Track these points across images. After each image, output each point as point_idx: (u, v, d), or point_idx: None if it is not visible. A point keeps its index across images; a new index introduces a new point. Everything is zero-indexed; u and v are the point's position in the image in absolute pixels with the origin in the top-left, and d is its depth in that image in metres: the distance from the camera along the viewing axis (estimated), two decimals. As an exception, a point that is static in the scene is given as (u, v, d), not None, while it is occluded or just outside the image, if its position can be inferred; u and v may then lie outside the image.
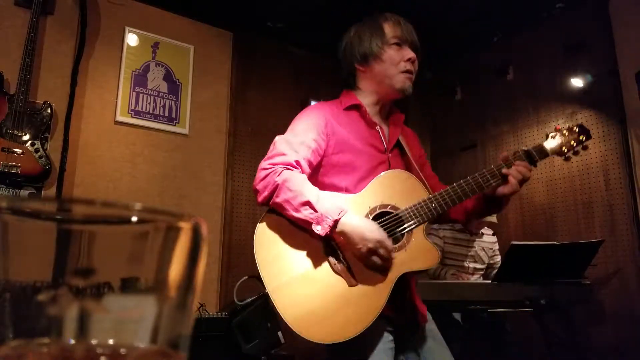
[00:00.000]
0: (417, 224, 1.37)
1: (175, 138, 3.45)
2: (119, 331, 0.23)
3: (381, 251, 1.28)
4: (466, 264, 3.12)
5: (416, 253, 1.36)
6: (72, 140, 2.98)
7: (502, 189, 1.40)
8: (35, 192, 2.80)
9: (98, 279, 0.22)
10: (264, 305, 2.97)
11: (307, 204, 1.27)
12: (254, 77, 3.90)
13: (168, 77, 3.50)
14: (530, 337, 3.04)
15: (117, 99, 3.26)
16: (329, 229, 1.26)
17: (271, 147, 1.43)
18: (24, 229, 0.22)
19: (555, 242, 2.53)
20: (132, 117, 3.30)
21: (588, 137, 1.55)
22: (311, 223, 1.27)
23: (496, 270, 3.05)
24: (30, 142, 2.75)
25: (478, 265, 3.16)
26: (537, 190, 3.65)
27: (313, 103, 3.94)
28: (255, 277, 1.31)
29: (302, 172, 1.36)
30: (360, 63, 1.54)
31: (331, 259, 1.32)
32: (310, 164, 1.39)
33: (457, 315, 2.95)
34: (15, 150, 2.68)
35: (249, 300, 1.46)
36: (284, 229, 1.34)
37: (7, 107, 2.71)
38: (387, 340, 1.33)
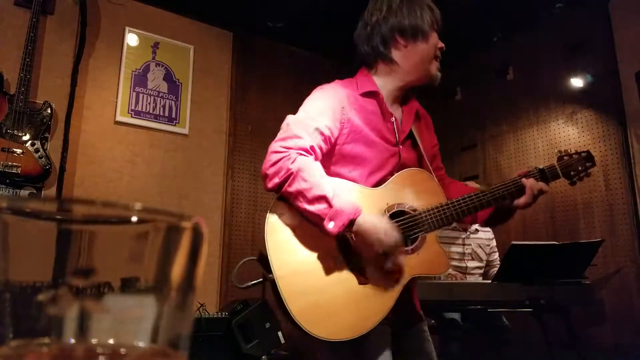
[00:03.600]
0: (432, 228, 1.33)
1: (175, 138, 3.45)
2: (119, 331, 0.23)
3: (395, 254, 1.25)
4: (463, 263, 3.11)
5: (428, 258, 1.33)
6: (72, 140, 2.99)
7: (519, 201, 1.39)
8: (35, 192, 2.80)
9: (98, 279, 0.22)
10: (264, 305, 2.97)
11: (323, 198, 1.19)
12: (254, 77, 3.91)
13: (168, 77, 3.50)
14: (530, 337, 3.04)
15: (117, 99, 3.26)
16: (342, 227, 1.20)
17: (283, 127, 1.32)
18: (24, 229, 0.22)
19: (555, 242, 2.53)
20: (132, 117, 3.30)
21: (593, 164, 1.52)
22: (323, 218, 1.19)
23: (496, 268, 3.05)
24: (30, 142, 2.75)
25: (476, 264, 3.15)
26: (537, 190, 3.64)
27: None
28: (258, 261, 1.26)
29: (316, 159, 1.28)
30: (404, 35, 1.40)
31: (344, 254, 1.27)
32: (322, 151, 1.32)
33: (457, 315, 2.95)
34: (15, 150, 2.68)
35: (250, 283, 1.40)
36: (298, 217, 1.26)
37: (7, 107, 2.71)
38: (387, 341, 1.31)
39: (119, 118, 3.24)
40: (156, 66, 3.47)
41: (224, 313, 2.92)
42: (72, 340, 0.22)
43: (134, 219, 0.23)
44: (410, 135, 1.47)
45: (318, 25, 3.80)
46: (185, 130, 3.49)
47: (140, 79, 3.38)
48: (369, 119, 1.39)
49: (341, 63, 4.08)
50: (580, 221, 3.37)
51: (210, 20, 3.73)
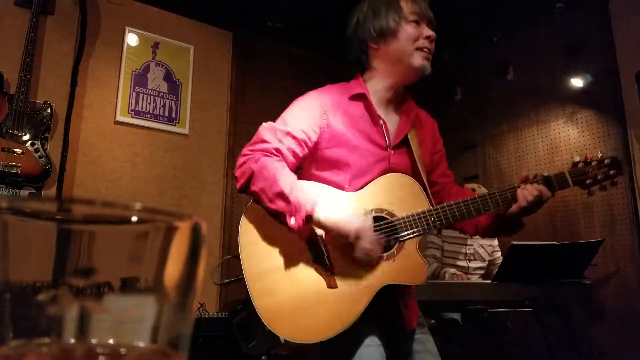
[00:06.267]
0: (412, 235, 1.29)
1: (175, 138, 3.45)
2: (119, 331, 0.23)
3: (363, 243, 1.19)
4: (465, 263, 3.11)
5: (404, 266, 1.27)
6: (72, 140, 2.98)
7: (512, 208, 1.33)
8: (35, 192, 2.80)
9: (98, 279, 0.22)
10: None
11: (280, 194, 1.19)
12: (254, 77, 3.91)
13: (168, 77, 3.50)
14: (530, 337, 3.04)
15: (117, 99, 3.26)
16: (301, 222, 1.18)
17: (256, 133, 1.35)
18: (24, 229, 0.22)
19: (555, 242, 2.53)
20: (132, 117, 3.30)
21: (618, 172, 1.38)
22: (285, 215, 1.18)
23: (497, 267, 3.06)
24: (30, 142, 2.75)
25: (479, 264, 3.15)
26: (537, 190, 3.64)
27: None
28: (238, 258, 1.29)
29: (283, 160, 1.28)
30: (374, 40, 1.40)
31: (312, 254, 1.26)
32: (295, 154, 1.31)
33: (457, 315, 2.95)
34: (15, 150, 2.68)
35: (225, 280, 1.51)
36: (268, 218, 1.25)
37: (7, 107, 2.71)
38: (377, 346, 1.27)
39: (119, 118, 3.24)
40: (156, 66, 3.47)
41: (224, 313, 2.92)
42: (72, 340, 0.22)
43: (134, 219, 0.23)
44: (406, 141, 1.43)
45: (318, 25, 3.80)
46: (185, 130, 3.49)
47: (140, 79, 3.38)
48: (354, 122, 1.37)
49: (341, 63, 4.07)
50: (580, 221, 3.37)
51: (210, 20, 3.72)
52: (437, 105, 4.53)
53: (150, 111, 3.37)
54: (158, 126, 3.38)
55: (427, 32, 1.39)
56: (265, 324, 1.19)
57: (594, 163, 1.39)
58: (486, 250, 3.18)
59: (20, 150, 2.69)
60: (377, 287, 1.24)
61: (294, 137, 1.31)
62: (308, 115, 1.34)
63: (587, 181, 1.38)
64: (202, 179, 3.49)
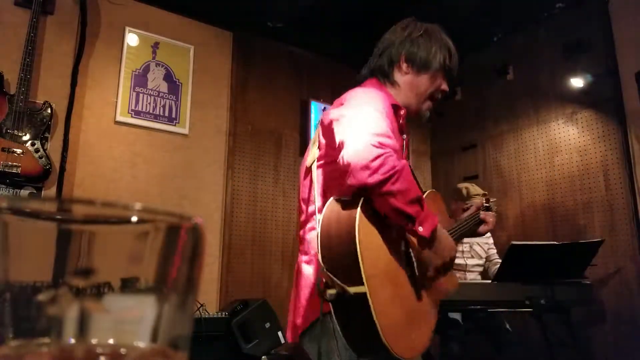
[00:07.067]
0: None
1: (175, 138, 3.45)
2: (119, 331, 0.23)
3: (448, 267, 1.26)
4: (462, 260, 3.12)
5: (450, 278, 1.37)
6: (72, 140, 2.99)
7: (481, 229, 1.66)
8: (35, 192, 2.80)
9: (98, 279, 0.22)
10: (264, 305, 2.97)
11: (419, 200, 1.16)
12: (254, 77, 3.91)
13: (168, 77, 3.50)
14: (530, 337, 3.04)
15: (117, 99, 3.26)
16: (429, 231, 1.17)
17: (357, 118, 1.23)
18: (24, 229, 0.22)
19: (555, 242, 2.53)
20: (132, 117, 3.30)
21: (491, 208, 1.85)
22: (415, 221, 1.16)
23: (494, 265, 3.07)
24: (30, 142, 2.75)
25: (476, 261, 3.16)
26: (537, 190, 3.65)
27: (313, 103, 3.97)
28: (329, 272, 1.10)
29: None
30: (410, 64, 1.43)
31: (408, 266, 1.23)
32: None
33: (457, 315, 2.95)
34: (15, 150, 2.68)
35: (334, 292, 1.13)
36: (381, 223, 1.19)
37: (7, 107, 2.71)
38: None
39: (119, 118, 3.24)
40: (156, 66, 3.47)
41: (224, 313, 2.92)
42: (72, 340, 0.22)
43: (134, 219, 0.23)
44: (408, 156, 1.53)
45: (318, 25, 3.80)
46: (185, 130, 3.49)
47: (140, 79, 3.39)
48: (395, 130, 1.36)
49: (341, 63, 4.08)
50: (580, 221, 3.37)
51: (210, 20, 3.73)
52: (437, 105, 4.54)
53: (150, 111, 3.38)
54: (158, 126, 3.38)
55: (445, 87, 1.47)
56: (386, 341, 1.06)
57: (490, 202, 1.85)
58: (482, 247, 3.20)
59: (20, 150, 2.69)
60: (440, 298, 1.32)
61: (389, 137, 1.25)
62: (385, 114, 1.29)
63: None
64: (202, 179, 3.49)
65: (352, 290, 1.07)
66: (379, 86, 1.45)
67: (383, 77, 1.47)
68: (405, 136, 1.45)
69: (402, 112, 1.42)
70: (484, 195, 1.96)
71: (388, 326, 1.07)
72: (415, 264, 1.24)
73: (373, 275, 1.09)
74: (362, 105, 1.29)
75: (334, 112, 1.32)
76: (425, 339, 1.20)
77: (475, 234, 1.66)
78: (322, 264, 1.12)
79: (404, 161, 1.21)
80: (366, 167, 1.13)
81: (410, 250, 1.24)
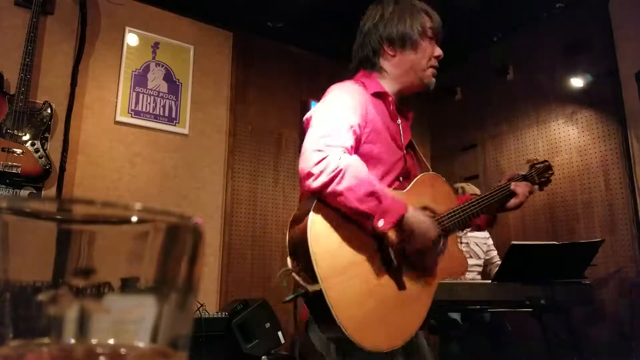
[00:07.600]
0: (452, 231, 1.34)
1: (175, 138, 3.45)
2: (119, 331, 0.23)
3: (434, 251, 1.24)
4: None
5: (450, 261, 1.33)
6: (72, 140, 2.99)
7: (514, 200, 1.48)
8: (35, 192, 2.80)
9: (98, 279, 0.22)
10: (264, 305, 2.97)
11: (374, 194, 1.14)
12: (254, 77, 3.91)
13: (168, 77, 3.50)
14: (530, 337, 3.04)
15: (117, 99, 3.26)
16: (392, 224, 1.15)
17: (315, 122, 1.27)
18: (24, 229, 0.22)
19: (555, 242, 2.53)
20: (132, 117, 3.30)
21: (552, 173, 1.69)
22: (374, 216, 1.14)
23: (495, 267, 3.06)
24: (30, 142, 2.75)
25: (474, 261, 3.16)
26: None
27: (313, 103, 3.96)
28: (293, 271, 1.15)
29: None
30: (392, 45, 1.41)
31: (382, 257, 1.20)
32: (354, 150, 1.27)
33: (457, 315, 2.95)
34: (15, 150, 2.68)
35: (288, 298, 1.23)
36: (338, 221, 1.18)
37: (7, 107, 2.71)
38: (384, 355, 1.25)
39: (119, 118, 3.24)
40: (156, 66, 3.47)
41: (224, 313, 2.92)
42: (72, 340, 0.22)
43: (134, 219, 0.23)
44: (410, 142, 1.47)
45: (318, 25, 3.80)
46: (185, 130, 3.49)
47: (140, 79, 3.39)
48: (383, 119, 1.37)
49: (341, 63, 4.07)
50: (580, 221, 3.37)
51: (210, 20, 3.73)
52: (437, 105, 4.54)
53: (150, 111, 3.38)
54: (158, 126, 3.38)
55: (439, 51, 1.44)
56: (351, 338, 1.08)
57: (540, 165, 1.64)
58: (481, 248, 3.19)
59: (20, 150, 2.69)
60: (436, 284, 1.28)
61: (354, 132, 1.26)
62: (358, 108, 1.30)
63: (542, 179, 1.62)
64: (202, 179, 3.49)
65: (311, 288, 1.10)
66: (365, 77, 1.44)
67: (371, 67, 1.45)
68: (400, 121, 1.43)
69: (390, 98, 1.40)
70: (527, 161, 1.67)
71: (349, 319, 1.09)
72: (392, 254, 1.20)
73: (331, 274, 1.11)
74: (327, 104, 1.31)
75: (310, 112, 1.36)
76: (411, 324, 1.20)
77: (505, 207, 1.50)
78: (290, 266, 1.16)
79: (351, 158, 1.19)
80: (309, 173, 1.16)
81: (385, 240, 1.21)
